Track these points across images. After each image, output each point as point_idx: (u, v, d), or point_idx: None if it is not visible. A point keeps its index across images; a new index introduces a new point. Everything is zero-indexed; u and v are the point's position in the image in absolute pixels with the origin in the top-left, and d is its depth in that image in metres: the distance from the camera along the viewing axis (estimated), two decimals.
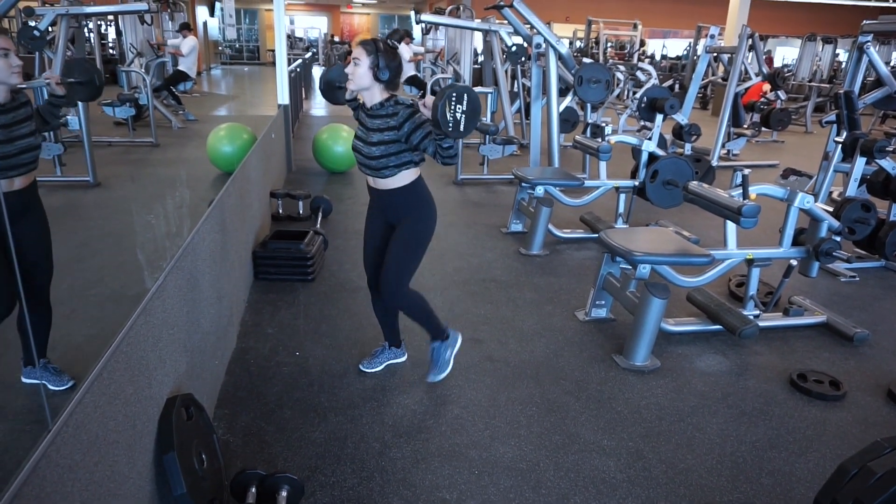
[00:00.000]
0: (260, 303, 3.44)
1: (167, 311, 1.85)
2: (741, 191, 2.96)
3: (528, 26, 6.23)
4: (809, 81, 13.88)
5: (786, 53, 24.47)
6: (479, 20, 8.05)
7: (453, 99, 2.02)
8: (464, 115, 2.06)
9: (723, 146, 8.15)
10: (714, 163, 7.54)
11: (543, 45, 6.09)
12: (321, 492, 2.05)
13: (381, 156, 2.30)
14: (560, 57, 6.10)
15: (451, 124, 2.05)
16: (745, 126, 9.71)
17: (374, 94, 2.30)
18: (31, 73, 7.05)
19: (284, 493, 1.92)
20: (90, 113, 7.41)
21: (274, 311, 3.34)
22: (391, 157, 2.30)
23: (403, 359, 2.85)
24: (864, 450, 1.58)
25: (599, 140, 4.66)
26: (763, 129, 10.04)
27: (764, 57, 13.49)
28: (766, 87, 9.93)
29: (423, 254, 2.52)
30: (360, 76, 2.24)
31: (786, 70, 15.46)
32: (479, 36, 10.13)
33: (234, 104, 13.02)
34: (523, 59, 7.12)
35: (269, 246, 3.69)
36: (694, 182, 3.25)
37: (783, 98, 8.79)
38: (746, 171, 2.95)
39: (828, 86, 12.72)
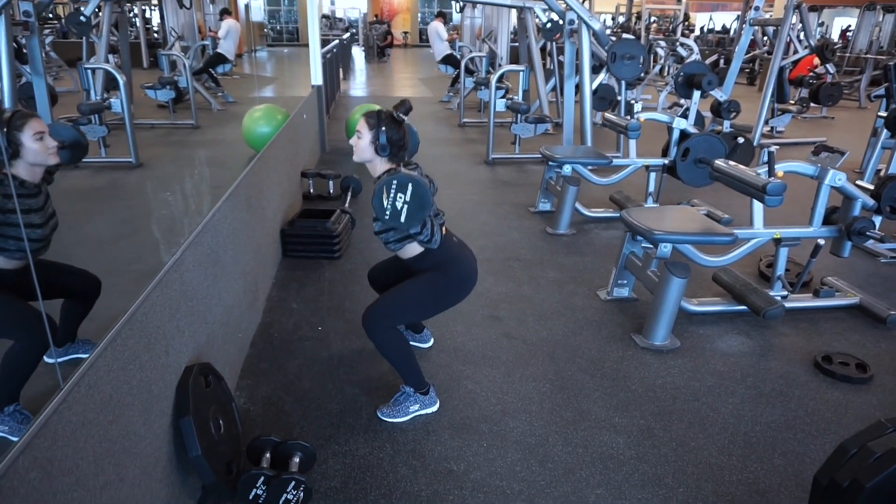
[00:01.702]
0: (287, 279, 3.55)
1: (185, 283, 1.95)
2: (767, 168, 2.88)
3: (562, 2, 6.11)
4: (866, 53, 13.20)
5: (844, 24, 23.27)
6: None
7: (393, 187, 1.97)
8: (406, 206, 1.99)
9: (766, 123, 7.89)
10: (756, 140, 7.31)
11: (576, 22, 5.98)
12: (333, 459, 2.13)
13: (380, 231, 2.24)
14: (593, 33, 5.98)
15: (388, 212, 1.99)
16: (793, 102, 9.34)
17: (376, 167, 2.21)
18: (80, 57, 7.33)
19: (297, 459, 2.01)
20: (134, 96, 7.68)
21: (300, 288, 3.44)
22: (389, 232, 2.22)
23: (427, 345, 2.86)
24: (866, 429, 1.55)
25: (628, 118, 4.57)
26: (812, 104, 9.63)
27: (817, 30, 12.82)
28: (817, 60, 9.52)
29: (431, 309, 2.42)
30: (362, 149, 2.17)
31: (834, 43, 14.72)
32: (515, 13, 9.98)
33: (272, 86, 13.23)
34: (558, 35, 7.01)
35: (296, 224, 3.79)
36: (720, 160, 3.18)
37: (832, 72, 8.39)
38: (773, 148, 2.87)
39: (885, 58, 12.07)
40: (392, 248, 2.28)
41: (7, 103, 5.20)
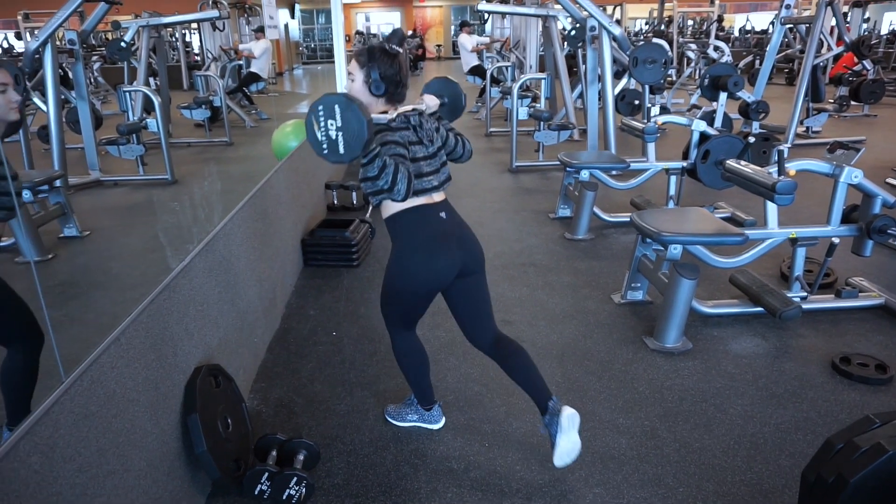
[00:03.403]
0: (306, 287, 3.66)
1: (194, 289, 2.06)
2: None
3: (582, 10, 6.14)
4: None
5: (893, 18, 22.43)
6: (537, 6, 8.00)
7: (320, 112, 1.60)
8: (340, 133, 1.60)
9: (801, 123, 7.70)
10: (789, 142, 7.13)
11: (597, 28, 5.99)
12: (338, 458, 2.20)
13: (361, 179, 1.84)
14: (614, 39, 5.98)
15: (325, 146, 1.62)
16: (831, 101, 9.09)
17: (375, 111, 1.94)
18: (120, 81, 7.71)
19: (301, 457, 2.09)
20: (172, 117, 8.03)
21: (318, 295, 3.55)
22: (367, 181, 1.81)
23: (437, 426, 2.46)
24: (853, 424, 1.54)
25: (645, 121, 4.56)
26: (854, 102, 9.34)
27: (862, 27, 12.43)
28: None
29: (399, 300, 2.08)
30: (357, 92, 1.92)
31: (872, 37, 14.20)
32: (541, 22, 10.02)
33: (306, 102, 13.58)
34: (582, 42, 7.03)
35: (316, 234, 3.91)
36: (731, 160, 3.15)
37: (870, 68, 8.14)
38: (783, 147, 2.83)
39: None
40: (372, 202, 1.98)
41: (53, 126, 5.53)
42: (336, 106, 1.59)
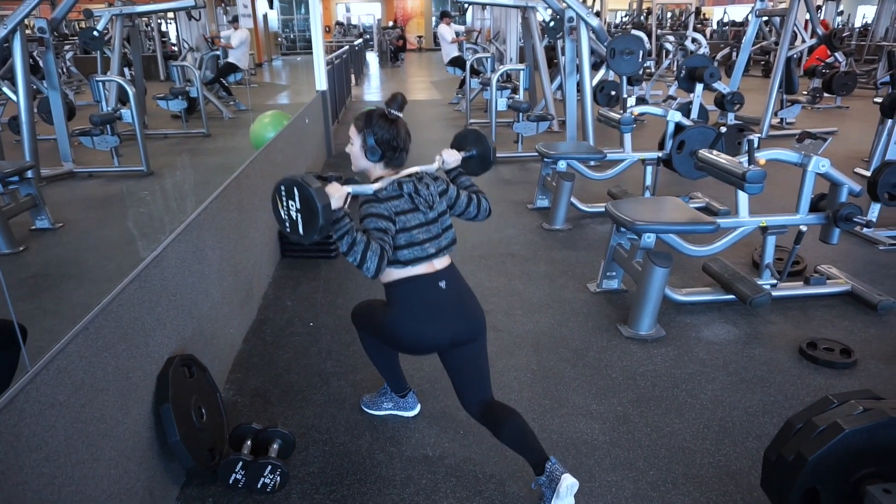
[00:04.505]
0: (283, 278, 3.65)
1: (166, 279, 2.04)
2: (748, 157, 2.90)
3: (561, 1, 6.15)
4: (884, 41, 12.95)
5: (866, 12, 22.81)
6: None
7: (282, 193, 1.64)
8: (299, 215, 1.63)
9: (775, 114, 7.81)
10: (764, 132, 7.25)
11: (575, 19, 6.01)
12: (314, 447, 2.21)
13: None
14: (592, 30, 6.01)
15: (287, 224, 1.67)
16: (805, 92, 9.22)
17: (371, 176, 1.93)
18: (94, 71, 7.57)
19: (276, 446, 2.10)
20: (148, 108, 7.91)
21: (295, 286, 3.54)
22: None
23: (411, 413, 2.46)
24: (813, 405, 1.59)
25: (621, 112, 4.60)
26: (826, 94, 9.49)
27: (836, 20, 12.61)
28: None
29: (379, 337, 2.09)
30: (356, 157, 1.91)
31: (845, 30, 14.43)
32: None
33: (286, 93, 13.46)
34: (561, 33, 7.05)
35: None
36: (703, 150, 3.20)
37: (842, 60, 8.28)
38: (753, 137, 2.88)
39: None
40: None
41: (24, 116, 5.42)
42: (295, 188, 1.61)
